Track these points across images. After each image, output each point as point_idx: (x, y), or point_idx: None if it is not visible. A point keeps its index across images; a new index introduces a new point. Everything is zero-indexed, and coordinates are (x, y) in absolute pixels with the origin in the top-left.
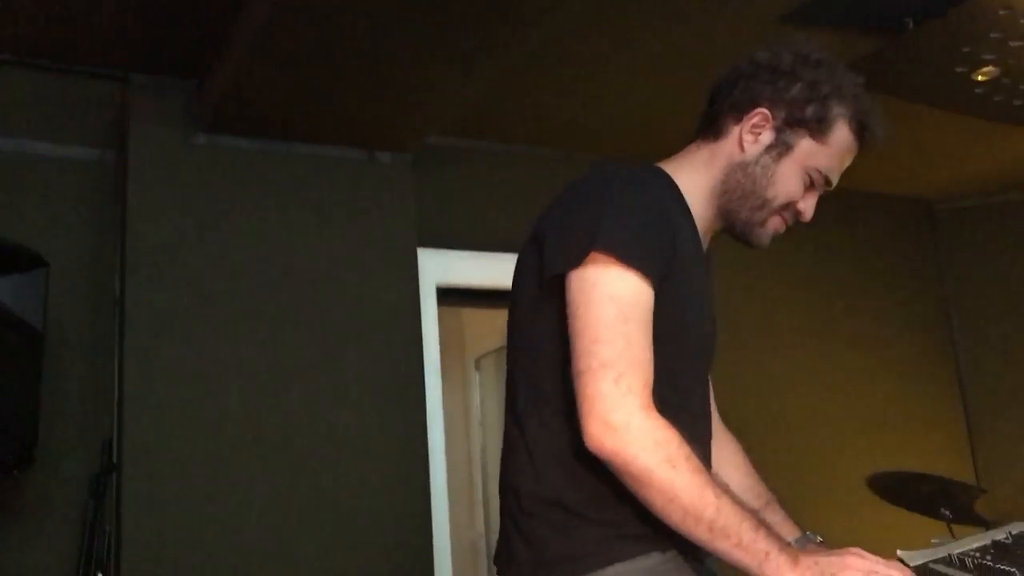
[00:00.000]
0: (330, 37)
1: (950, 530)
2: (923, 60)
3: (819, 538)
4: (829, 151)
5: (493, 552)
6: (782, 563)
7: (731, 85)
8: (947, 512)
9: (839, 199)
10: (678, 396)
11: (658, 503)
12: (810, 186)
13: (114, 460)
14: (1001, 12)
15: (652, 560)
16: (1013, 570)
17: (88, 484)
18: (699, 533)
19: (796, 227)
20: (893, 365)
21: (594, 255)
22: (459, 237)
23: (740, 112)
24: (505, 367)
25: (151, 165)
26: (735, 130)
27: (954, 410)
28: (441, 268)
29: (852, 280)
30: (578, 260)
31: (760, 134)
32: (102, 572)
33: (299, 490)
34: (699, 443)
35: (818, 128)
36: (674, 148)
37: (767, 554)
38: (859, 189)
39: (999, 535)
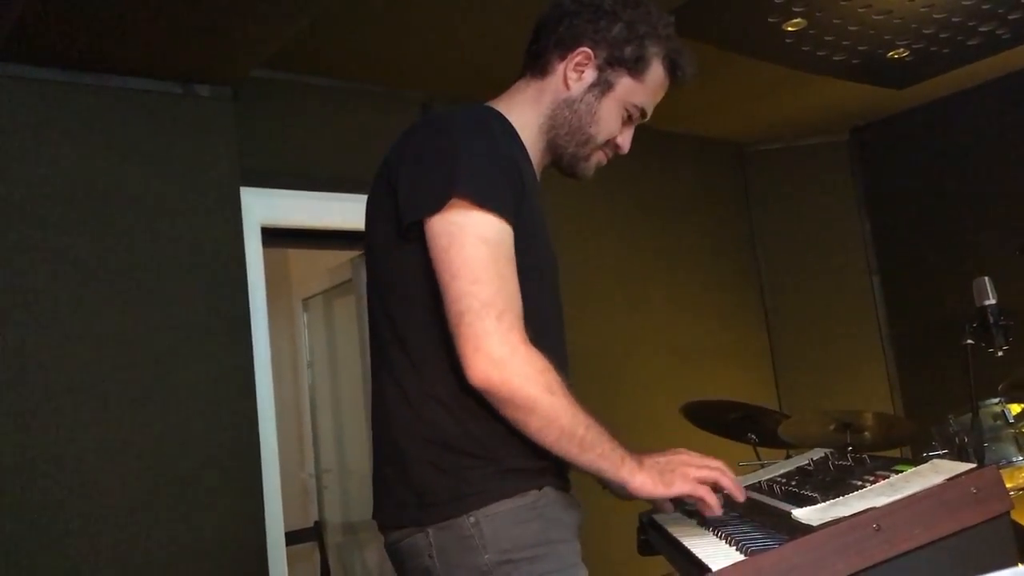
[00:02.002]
0: None
1: (756, 452)
2: (738, 10)
3: None
4: (645, 88)
5: (320, 491)
6: (633, 467)
7: (556, 23)
8: (753, 436)
9: (656, 140)
10: (542, 328)
11: (536, 426)
12: (627, 120)
13: None
14: None
15: (530, 498)
16: (815, 495)
17: None
18: (570, 449)
19: (615, 158)
20: (705, 300)
21: (454, 200)
22: (285, 176)
23: (564, 50)
24: (331, 309)
25: None
26: (560, 68)
27: (760, 342)
28: (266, 207)
29: (667, 218)
30: (438, 205)
31: (583, 72)
32: None
33: (118, 437)
34: (561, 371)
35: (636, 67)
36: (500, 84)
37: (623, 459)
38: (675, 131)
39: (802, 462)
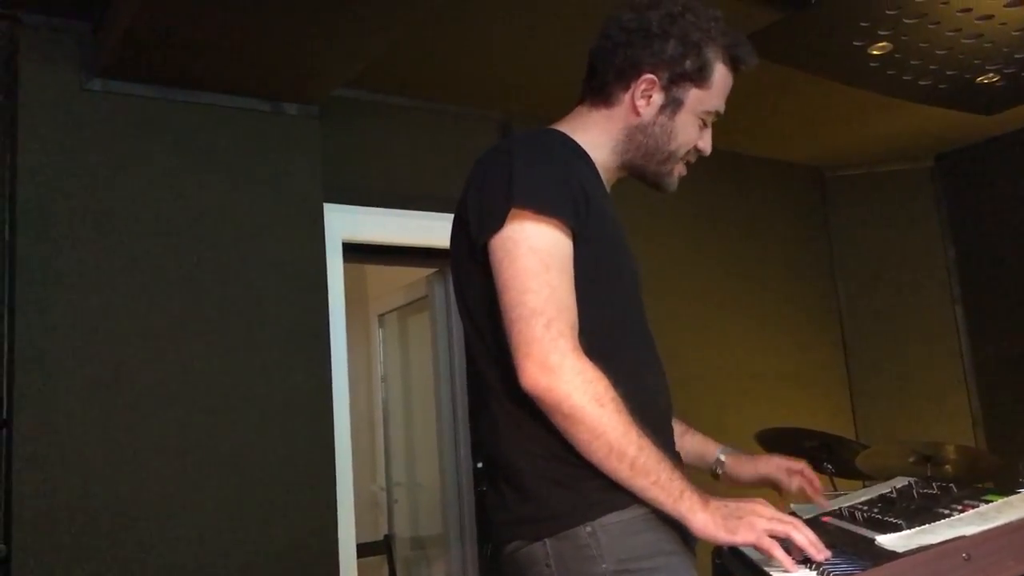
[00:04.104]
0: None
1: (832, 483)
2: (823, 32)
3: (733, 450)
4: (713, 92)
5: (391, 504)
6: (695, 502)
7: (611, 55)
8: (829, 466)
9: (735, 163)
10: (611, 338)
11: (584, 439)
12: (703, 125)
13: (4, 415)
14: None
15: (644, 509)
16: (900, 522)
17: None
18: (621, 470)
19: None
20: (781, 325)
21: (512, 213)
22: (365, 193)
23: (627, 80)
24: (406, 325)
25: (44, 109)
26: (625, 97)
27: (837, 369)
28: (347, 224)
29: (744, 242)
30: (499, 223)
31: (651, 97)
32: None
33: (200, 445)
34: (652, 373)
35: (700, 76)
36: None
37: (682, 492)
38: (753, 155)
39: (884, 489)
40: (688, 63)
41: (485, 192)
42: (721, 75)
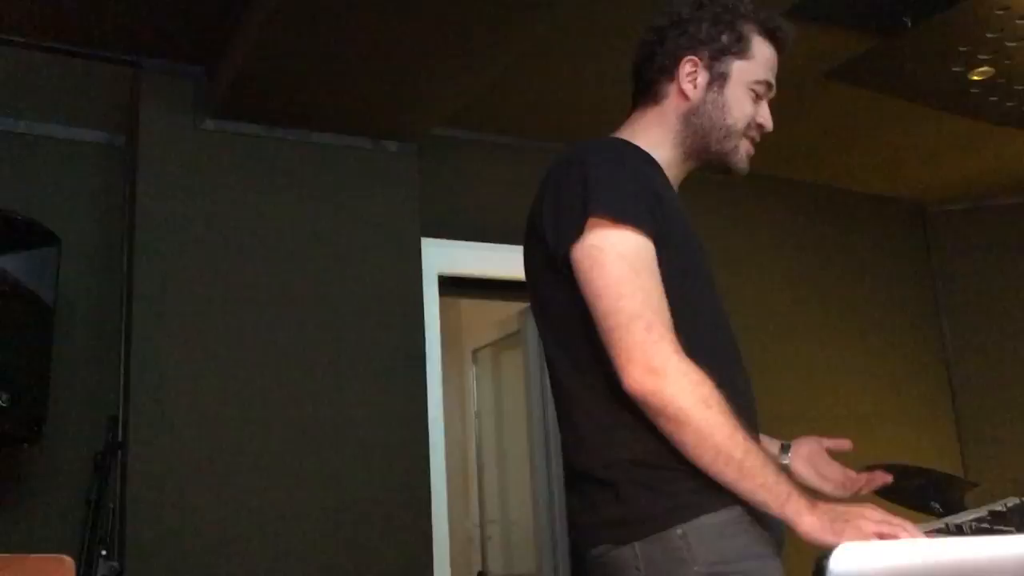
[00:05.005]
0: (338, 27)
1: None
2: (920, 58)
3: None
4: (757, 63)
5: (484, 541)
6: (802, 506)
7: (650, 56)
8: (937, 506)
9: (832, 198)
10: (706, 334)
11: (691, 442)
12: (756, 99)
13: (119, 438)
14: (998, 12)
15: (736, 512)
16: (1011, 528)
17: (93, 461)
18: (728, 472)
19: (763, 139)
20: (885, 363)
21: (590, 222)
22: (461, 228)
23: (670, 72)
24: (499, 361)
25: (161, 148)
26: (672, 88)
27: (943, 409)
28: (443, 258)
29: (845, 279)
30: (578, 233)
31: (696, 78)
32: (106, 550)
33: (302, 473)
34: (736, 371)
35: (739, 48)
36: None
37: (789, 495)
38: (854, 190)
39: (996, 506)
40: (725, 38)
41: (561, 202)
42: (762, 48)
